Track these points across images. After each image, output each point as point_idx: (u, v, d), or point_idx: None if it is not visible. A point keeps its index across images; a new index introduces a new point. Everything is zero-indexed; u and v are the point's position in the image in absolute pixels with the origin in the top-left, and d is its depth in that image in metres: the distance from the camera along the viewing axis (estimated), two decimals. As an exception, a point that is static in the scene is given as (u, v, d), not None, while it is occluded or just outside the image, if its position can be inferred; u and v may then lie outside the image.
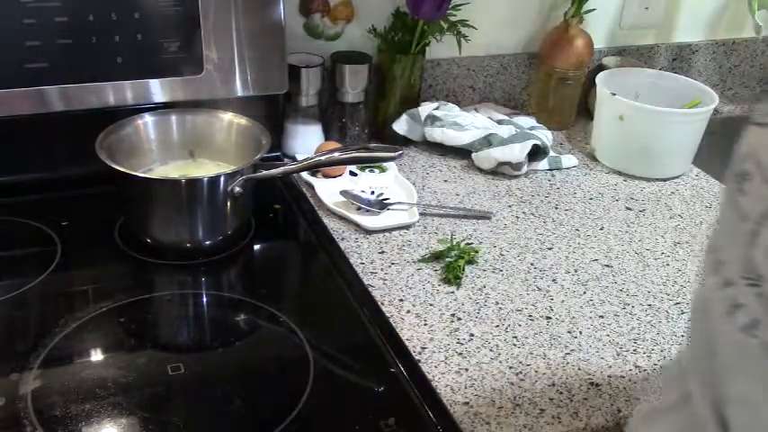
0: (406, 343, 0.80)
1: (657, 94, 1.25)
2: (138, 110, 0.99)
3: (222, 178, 0.89)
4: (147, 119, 0.98)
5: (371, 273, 0.92)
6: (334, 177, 1.11)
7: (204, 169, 0.98)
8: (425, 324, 0.84)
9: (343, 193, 1.06)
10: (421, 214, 1.04)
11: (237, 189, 0.89)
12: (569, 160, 1.23)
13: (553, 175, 1.20)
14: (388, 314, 0.85)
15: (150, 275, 0.91)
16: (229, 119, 1.00)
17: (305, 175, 1.11)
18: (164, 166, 0.99)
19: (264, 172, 0.92)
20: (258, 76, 1.06)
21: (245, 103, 1.05)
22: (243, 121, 0.99)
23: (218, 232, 0.93)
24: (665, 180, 1.21)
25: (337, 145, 1.12)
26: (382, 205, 1.05)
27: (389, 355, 0.78)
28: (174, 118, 1.00)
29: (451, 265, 0.93)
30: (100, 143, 0.90)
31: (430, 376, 0.76)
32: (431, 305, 0.87)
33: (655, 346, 0.84)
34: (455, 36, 1.21)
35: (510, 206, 1.10)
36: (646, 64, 1.46)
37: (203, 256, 0.92)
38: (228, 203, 0.91)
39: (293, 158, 1.15)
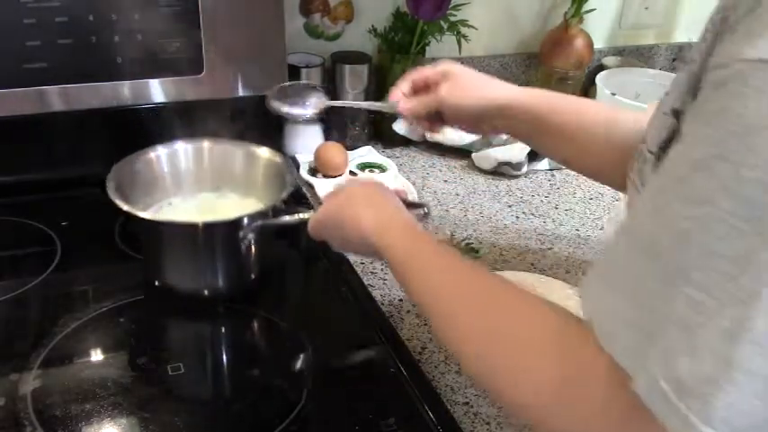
0: (406, 343, 0.80)
1: (657, 94, 1.25)
2: (138, 110, 0.99)
3: (232, 225, 0.81)
4: (160, 151, 0.91)
5: (371, 273, 0.92)
6: (335, 177, 1.11)
7: (222, 205, 0.91)
8: (425, 324, 0.84)
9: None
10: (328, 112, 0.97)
11: (250, 236, 0.81)
12: (569, 160, 1.23)
13: (553, 175, 1.20)
14: (388, 314, 0.85)
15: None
16: (248, 150, 0.92)
17: (305, 175, 1.11)
18: (180, 200, 0.92)
19: (286, 218, 0.81)
20: (258, 76, 1.06)
21: (246, 103, 1.05)
22: (264, 153, 0.91)
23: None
24: (665, 180, 1.21)
25: (337, 145, 1.12)
26: None
27: (389, 355, 0.78)
28: (189, 148, 0.92)
29: (451, 265, 0.93)
30: (110, 179, 0.82)
31: (430, 376, 0.76)
32: (431, 305, 0.87)
33: (655, 346, 0.84)
34: (455, 36, 1.21)
35: (510, 206, 1.10)
36: (646, 64, 1.46)
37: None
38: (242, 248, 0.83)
39: (293, 158, 1.15)
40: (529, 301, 0.53)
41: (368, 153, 1.18)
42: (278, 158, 0.90)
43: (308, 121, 1.17)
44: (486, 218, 1.07)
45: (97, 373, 0.74)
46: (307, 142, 1.16)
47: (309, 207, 0.83)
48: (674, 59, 1.51)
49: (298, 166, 1.13)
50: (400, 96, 0.87)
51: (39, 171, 1.02)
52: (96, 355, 0.78)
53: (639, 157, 0.54)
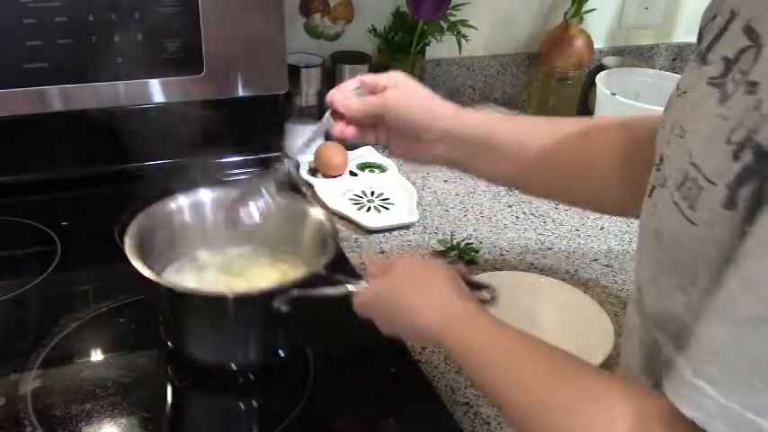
0: (407, 343, 0.80)
1: (657, 94, 1.25)
2: (138, 110, 0.99)
3: (265, 297, 0.71)
4: (185, 201, 0.80)
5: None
6: (335, 177, 1.11)
7: (252, 265, 0.81)
8: (425, 324, 0.84)
9: (344, 192, 1.06)
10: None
11: (285, 308, 0.70)
12: (569, 160, 1.23)
13: (553, 175, 1.20)
14: (388, 314, 0.85)
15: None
16: (286, 204, 0.80)
17: (305, 174, 1.11)
18: (205, 254, 0.82)
19: (327, 291, 0.70)
20: (258, 76, 1.06)
21: (245, 102, 1.05)
22: (304, 207, 0.82)
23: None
24: (665, 180, 1.21)
25: (337, 145, 1.12)
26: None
27: (389, 355, 0.78)
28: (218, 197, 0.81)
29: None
30: (129, 236, 0.72)
31: (430, 376, 0.76)
32: (431, 305, 0.87)
33: (655, 346, 0.84)
34: (455, 36, 1.21)
35: (510, 206, 1.10)
36: (646, 64, 1.46)
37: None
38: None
39: (293, 159, 1.15)
40: (604, 398, 0.48)
41: (368, 153, 1.18)
42: (320, 215, 0.80)
43: (307, 121, 1.17)
44: (486, 218, 1.07)
45: (97, 373, 0.74)
46: (307, 142, 1.16)
47: (355, 276, 0.73)
48: (674, 59, 1.51)
49: (298, 166, 1.13)
50: (337, 92, 0.75)
51: (39, 171, 1.02)
52: (96, 355, 0.78)
53: (687, 181, 0.47)
